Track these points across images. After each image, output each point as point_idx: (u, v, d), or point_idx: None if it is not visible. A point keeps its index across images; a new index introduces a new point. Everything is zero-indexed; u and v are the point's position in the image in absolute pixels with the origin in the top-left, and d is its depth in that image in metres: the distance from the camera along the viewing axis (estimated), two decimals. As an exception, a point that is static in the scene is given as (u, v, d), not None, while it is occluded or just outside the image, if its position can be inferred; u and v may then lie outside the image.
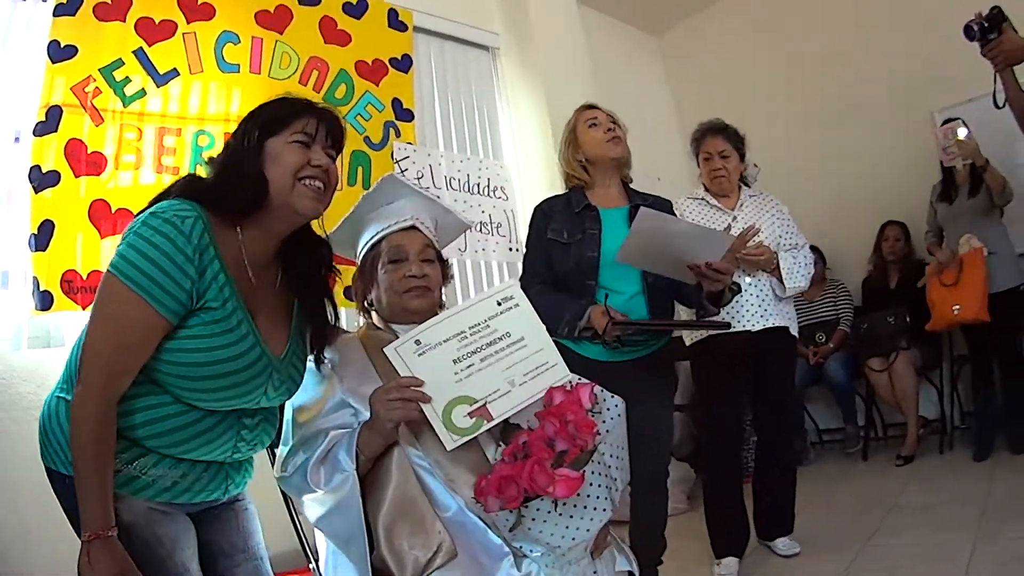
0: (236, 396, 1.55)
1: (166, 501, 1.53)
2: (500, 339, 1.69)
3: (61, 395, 1.51)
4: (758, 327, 3.05)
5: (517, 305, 1.73)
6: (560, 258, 2.61)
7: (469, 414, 1.62)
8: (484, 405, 1.64)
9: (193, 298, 1.44)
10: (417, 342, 1.63)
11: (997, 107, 2.78)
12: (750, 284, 3.09)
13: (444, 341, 1.65)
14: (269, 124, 1.56)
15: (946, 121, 4.35)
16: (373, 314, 1.96)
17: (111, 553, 1.37)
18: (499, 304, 1.71)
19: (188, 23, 3.41)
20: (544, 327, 1.78)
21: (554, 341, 2.44)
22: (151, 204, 1.50)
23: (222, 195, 1.52)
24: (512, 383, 1.67)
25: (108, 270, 1.42)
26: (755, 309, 3.07)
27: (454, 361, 1.64)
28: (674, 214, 2.78)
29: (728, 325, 2.63)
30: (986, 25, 2.71)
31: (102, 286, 1.43)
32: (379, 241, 1.91)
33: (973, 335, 4.32)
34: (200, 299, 1.45)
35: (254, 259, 1.59)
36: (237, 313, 1.52)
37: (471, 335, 1.67)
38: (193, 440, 1.53)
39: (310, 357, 1.78)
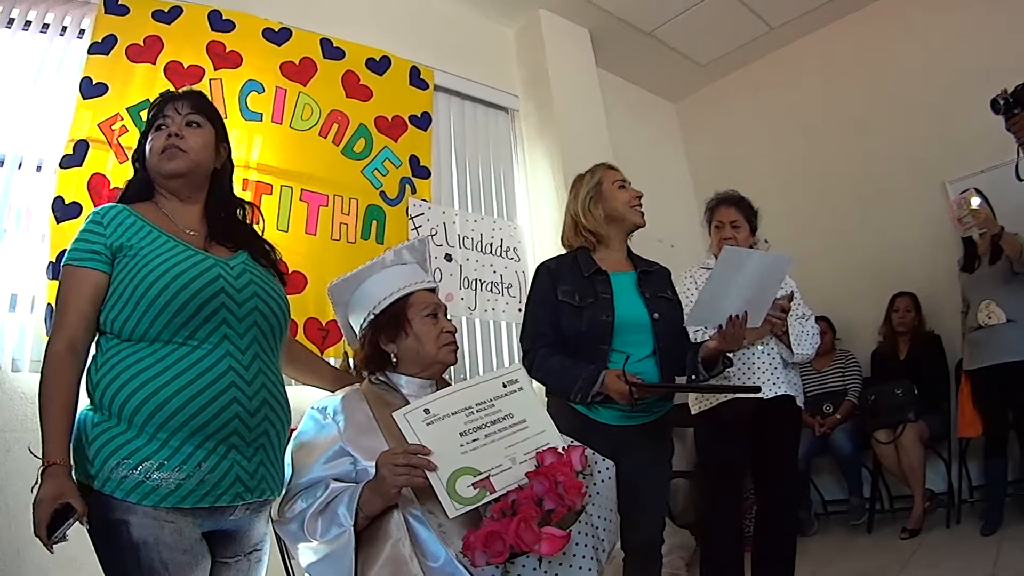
0: (186, 296, 1.65)
1: (172, 506, 1.56)
2: (503, 419, 1.77)
3: (87, 409, 1.63)
4: (769, 394, 3.04)
5: (521, 389, 1.84)
6: (571, 321, 2.52)
7: (473, 485, 1.65)
8: (487, 478, 1.67)
9: (107, 245, 1.71)
10: (426, 411, 1.69)
11: (1020, 179, 2.85)
12: (761, 351, 3.09)
13: (452, 414, 1.72)
14: (148, 123, 1.90)
15: (963, 192, 4.36)
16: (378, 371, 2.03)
17: (58, 479, 1.51)
18: (504, 386, 1.82)
19: (215, 70, 3.53)
20: (545, 410, 1.87)
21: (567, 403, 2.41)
22: None
23: (131, 184, 1.90)
24: (513, 460, 1.72)
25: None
26: (767, 376, 3.06)
27: (460, 434, 1.70)
28: (672, 285, 2.77)
29: (758, 389, 2.61)
30: (1011, 100, 2.79)
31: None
32: (410, 294, 2.01)
33: (990, 404, 4.26)
34: (116, 241, 1.71)
35: (182, 220, 1.85)
36: (160, 239, 1.74)
37: (477, 411, 1.75)
38: (184, 388, 1.59)
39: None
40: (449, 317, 2.10)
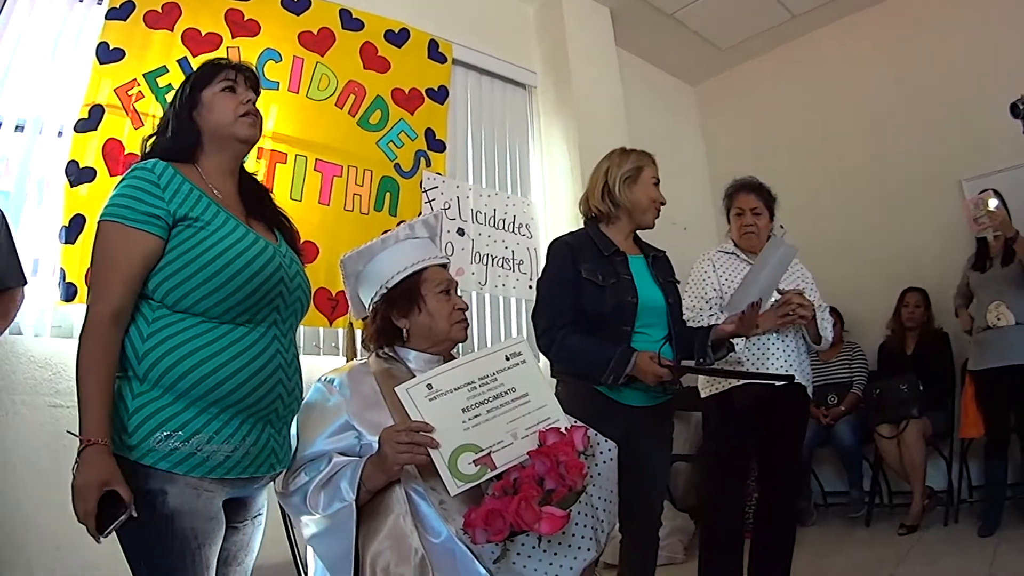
0: (256, 282, 1.64)
1: (217, 478, 1.58)
2: (506, 393, 1.75)
3: (118, 377, 1.57)
4: (781, 382, 3.01)
5: (524, 361, 1.81)
6: (594, 300, 2.45)
7: (474, 462, 1.65)
8: (489, 454, 1.67)
9: (169, 212, 1.61)
10: (429, 386, 1.68)
11: None
12: (776, 339, 3.07)
13: (455, 389, 1.70)
14: (199, 80, 1.81)
15: (981, 192, 4.33)
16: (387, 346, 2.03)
17: (101, 459, 1.44)
18: (507, 359, 1.79)
19: (233, 37, 3.52)
20: (546, 383, 1.85)
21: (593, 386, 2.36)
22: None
23: (170, 143, 1.76)
24: (515, 436, 1.72)
25: (98, 221, 1.62)
26: (780, 363, 3.03)
27: (463, 410, 1.69)
28: (672, 268, 2.76)
29: (791, 377, 2.62)
30: None
31: (96, 235, 1.62)
32: (423, 269, 2.01)
33: (994, 406, 4.24)
34: (179, 209, 1.62)
35: (224, 194, 1.77)
36: (222, 214, 1.68)
37: (480, 386, 1.73)
38: (242, 369, 1.59)
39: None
40: (460, 292, 2.10)
